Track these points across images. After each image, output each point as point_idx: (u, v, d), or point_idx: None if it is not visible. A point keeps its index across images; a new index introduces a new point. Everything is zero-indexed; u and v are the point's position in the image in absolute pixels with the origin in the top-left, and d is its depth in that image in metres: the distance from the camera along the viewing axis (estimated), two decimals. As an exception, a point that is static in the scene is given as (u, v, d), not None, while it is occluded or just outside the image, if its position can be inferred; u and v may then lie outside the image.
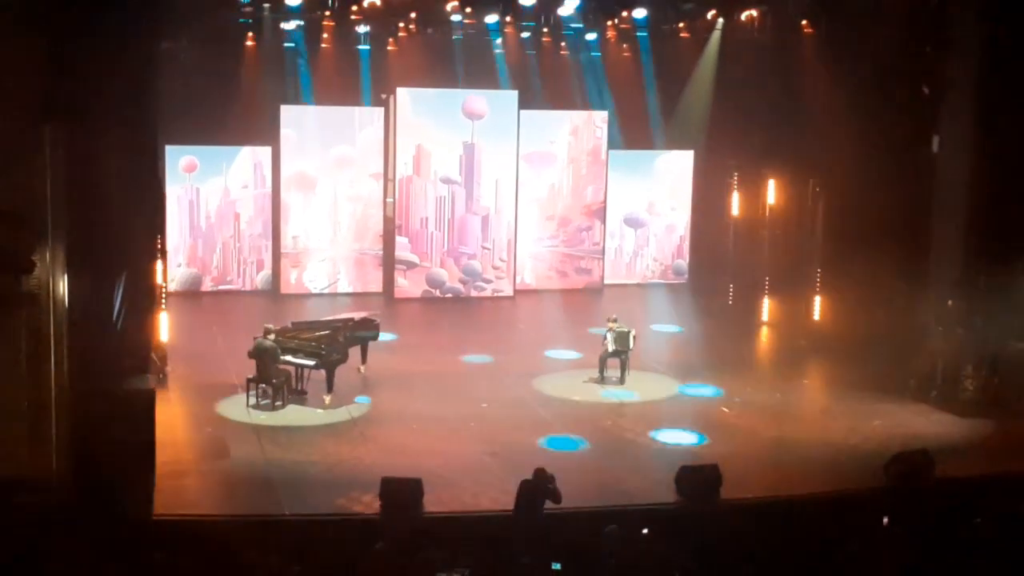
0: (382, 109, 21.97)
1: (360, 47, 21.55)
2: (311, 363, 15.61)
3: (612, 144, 23.04)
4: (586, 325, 19.35)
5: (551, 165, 23.00)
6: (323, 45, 21.10)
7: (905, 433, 14.62)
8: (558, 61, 22.43)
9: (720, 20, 21.49)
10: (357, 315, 17.10)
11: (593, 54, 22.62)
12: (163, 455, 12.51)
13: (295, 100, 21.53)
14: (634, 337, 16.74)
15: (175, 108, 17.84)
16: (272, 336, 15.56)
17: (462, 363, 17.99)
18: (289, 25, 20.77)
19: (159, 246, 15.95)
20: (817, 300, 19.65)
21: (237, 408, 15.19)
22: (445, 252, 22.34)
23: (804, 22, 19.87)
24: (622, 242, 23.77)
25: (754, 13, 20.57)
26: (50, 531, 9.73)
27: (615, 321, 16.77)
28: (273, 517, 11.69)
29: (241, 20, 20.33)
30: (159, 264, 15.91)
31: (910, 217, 17.36)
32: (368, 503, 11.86)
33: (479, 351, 18.65)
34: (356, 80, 21.51)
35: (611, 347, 16.64)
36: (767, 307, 20.91)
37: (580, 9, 21.03)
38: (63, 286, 10.81)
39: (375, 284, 22.26)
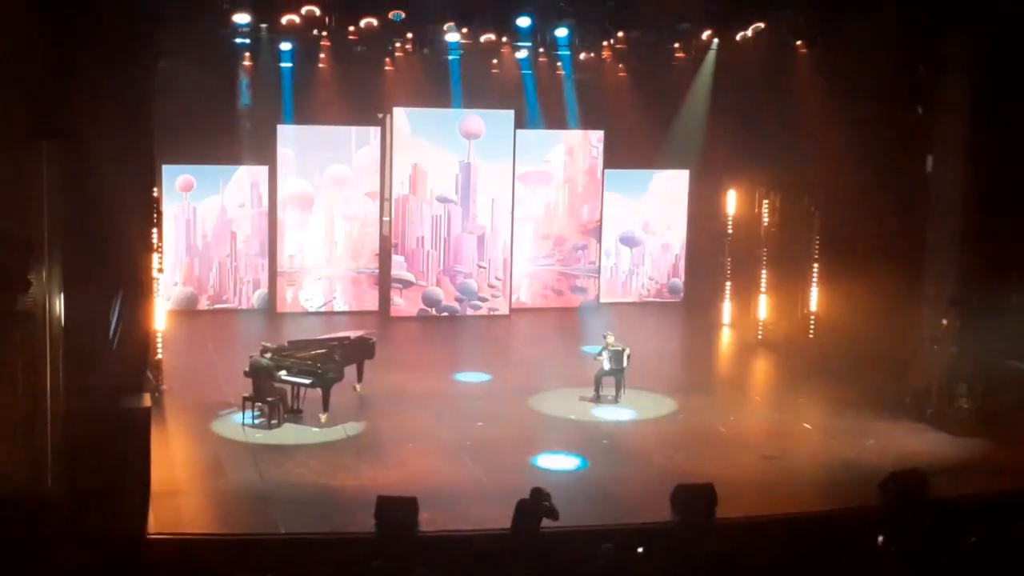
0: (379, 128, 22.04)
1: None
2: (307, 382, 15.62)
3: (608, 163, 23.12)
4: (582, 344, 19.33)
5: (547, 184, 23.07)
6: (320, 65, 21.12)
7: (899, 452, 14.61)
8: (554, 81, 22.50)
9: (715, 40, 21.56)
10: (353, 334, 17.11)
11: (588, 74, 22.65)
12: (158, 473, 12.49)
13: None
14: (628, 356, 16.76)
15: (172, 127, 17.85)
16: (268, 355, 15.59)
17: (458, 382, 17.99)
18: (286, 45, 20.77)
19: (155, 265, 15.95)
20: (812, 319, 19.69)
21: (233, 427, 15.19)
22: (441, 271, 22.37)
23: (799, 42, 19.96)
24: (618, 261, 23.82)
25: (749, 33, 20.63)
26: (45, 549, 9.71)
27: (610, 338, 16.78)
28: (268, 536, 11.65)
29: (238, 40, 20.30)
30: (155, 283, 15.91)
31: (905, 236, 17.40)
32: (363, 522, 11.83)
33: (475, 370, 18.65)
34: (352, 99, 21.51)
35: (606, 366, 16.67)
36: (762, 326, 20.97)
37: (575, 29, 21.08)
38: (59, 304, 10.82)
39: (371, 303, 22.28)
